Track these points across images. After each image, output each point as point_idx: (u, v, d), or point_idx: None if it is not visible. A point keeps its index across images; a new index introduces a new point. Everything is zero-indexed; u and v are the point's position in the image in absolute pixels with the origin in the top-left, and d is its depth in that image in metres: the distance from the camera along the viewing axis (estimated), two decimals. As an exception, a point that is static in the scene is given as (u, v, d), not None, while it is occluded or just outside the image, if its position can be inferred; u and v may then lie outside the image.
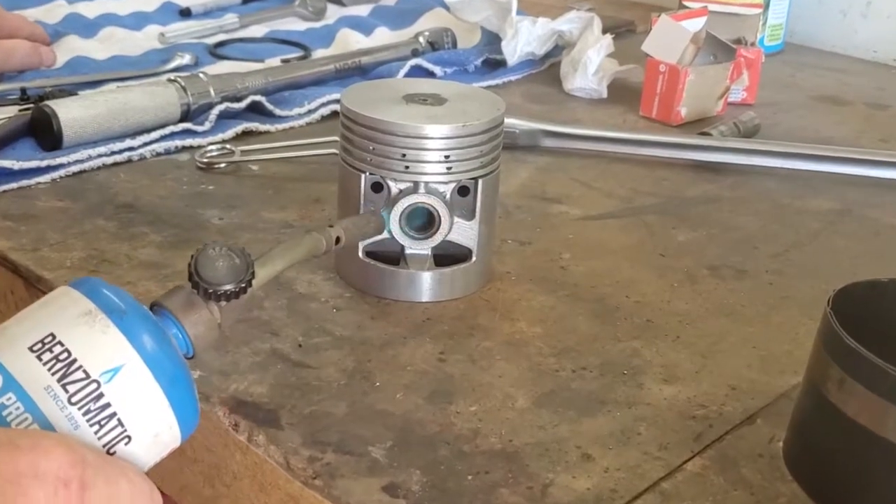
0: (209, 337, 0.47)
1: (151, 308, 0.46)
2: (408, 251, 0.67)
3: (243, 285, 0.47)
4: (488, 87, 1.18)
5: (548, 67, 1.29)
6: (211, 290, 0.46)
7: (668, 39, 1.08)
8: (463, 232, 0.67)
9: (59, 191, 0.82)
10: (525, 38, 1.23)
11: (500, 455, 0.53)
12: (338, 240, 0.59)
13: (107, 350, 0.41)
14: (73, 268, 0.69)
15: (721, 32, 1.10)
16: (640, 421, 0.56)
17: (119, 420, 0.41)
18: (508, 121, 0.93)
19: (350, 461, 0.52)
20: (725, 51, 1.10)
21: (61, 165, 0.85)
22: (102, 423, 0.40)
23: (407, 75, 1.14)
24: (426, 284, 0.67)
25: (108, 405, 0.40)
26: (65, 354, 0.40)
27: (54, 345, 0.40)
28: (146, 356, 0.41)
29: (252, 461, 0.53)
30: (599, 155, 0.99)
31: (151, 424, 0.42)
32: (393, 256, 0.67)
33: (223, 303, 0.47)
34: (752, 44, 1.17)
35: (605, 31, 1.19)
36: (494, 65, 1.25)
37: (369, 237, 0.64)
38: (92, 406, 0.40)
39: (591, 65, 1.16)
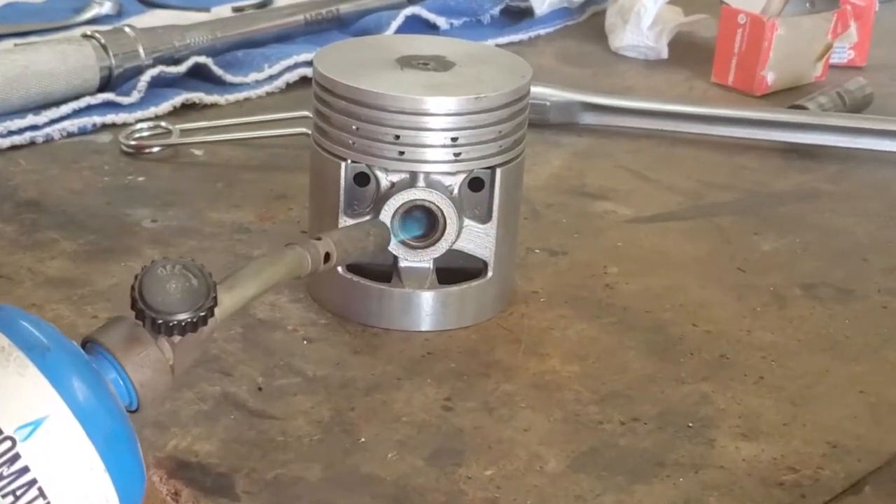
0: (158, 383, 0.47)
1: (83, 345, 0.47)
2: (402, 264, 0.68)
3: (203, 314, 0.48)
4: (509, 46, 1.19)
5: (588, 18, 1.30)
6: (161, 321, 0.47)
7: (750, -19, 1.10)
8: (475, 239, 0.68)
9: (-61, 183, 0.83)
10: (558, -20, 1.24)
11: (524, 534, 0.54)
12: (327, 257, 0.60)
13: (25, 398, 0.41)
14: (-41, 286, 0.70)
15: (820, -28, 1.12)
16: (710, 490, 0.57)
17: (40, 489, 0.41)
18: (536, 90, 0.94)
19: (327, 542, 0.53)
20: (826, -4, 1.12)
21: (-58, 150, 0.86)
22: (18, 492, 0.41)
23: (401, 29, 1.16)
24: (427, 308, 0.69)
25: (25, 469, 0.41)
26: None
27: None
28: (75, 406, 0.42)
29: (197, 542, 0.54)
30: (657, 135, 1.00)
31: (81, 495, 0.42)
32: (383, 271, 0.69)
33: (177, 338, 0.48)
34: (862, -13, 1.18)
35: (665, -30, 1.20)
36: (517, 15, 1.27)
37: (369, 255, 0.65)
38: (5, 471, 0.40)
39: (647, 15, 1.17)
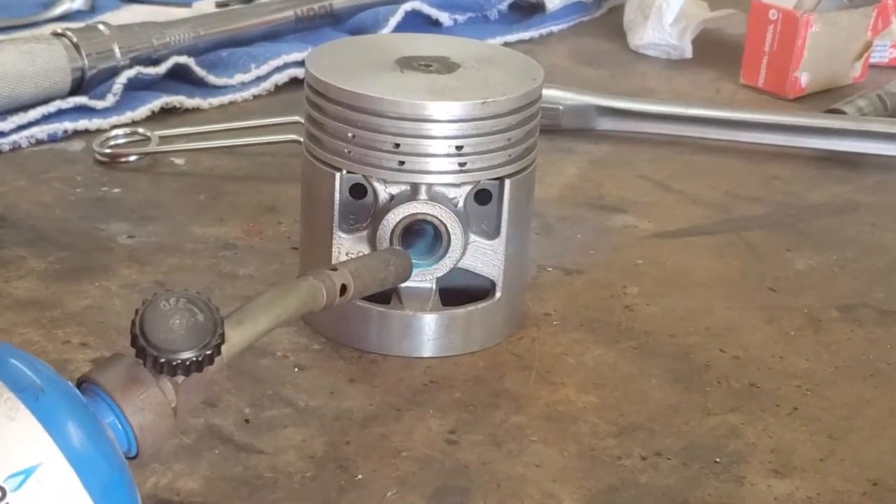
0: (160, 427, 0.47)
1: (79, 385, 0.47)
2: (402, 284, 0.68)
3: (209, 352, 0.48)
4: (518, 44, 1.20)
5: (605, 14, 1.31)
6: (164, 360, 0.47)
7: (782, -27, 1.10)
8: (482, 256, 0.69)
9: None
10: (572, -29, 1.25)
11: (536, 580, 0.54)
12: (343, 289, 0.60)
13: (16, 444, 0.41)
14: (-82, 308, 0.70)
15: (858, -37, 1.12)
16: (740, 531, 0.58)
17: None
18: (548, 93, 0.95)
19: (320, 588, 0.53)
20: (865, -10, 1.12)
21: None
22: None
23: (400, 26, 1.16)
24: (429, 332, 0.69)
25: None
26: None
27: None
28: (71, 453, 0.42)
29: (179, 588, 0.55)
30: (681, 142, 1.01)
31: None
32: (381, 292, 0.69)
33: (180, 378, 0.48)
34: (905, -21, 1.19)
35: (689, -39, 1.21)
36: (527, 10, 1.27)
37: (388, 286, 0.65)
38: None
39: (669, 10, 1.18)
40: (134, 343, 0.47)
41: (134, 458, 0.47)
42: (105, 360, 0.48)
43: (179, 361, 0.47)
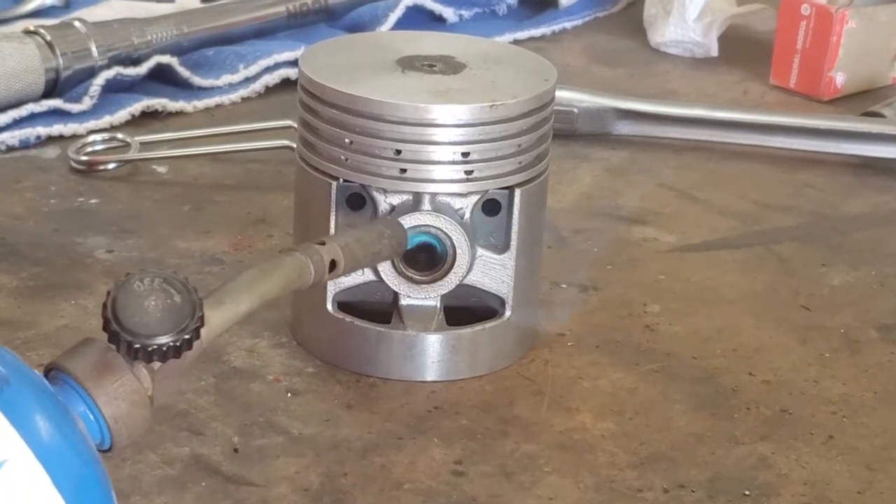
0: (135, 418, 0.47)
1: (47, 374, 0.47)
2: (404, 302, 0.68)
3: (187, 336, 0.48)
4: (529, 42, 1.20)
5: (623, 9, 1.31)
6: (138, 345, 0.47)
7: (815, -35, 1.10)
8: (491, 272, 0.69)
9: None
10: (587, -37, 1.26)
11: None
12: (333, 265, 0.60)
13: None
14: None
15: (898, -47, 1.13)
16: (771, 570, 0.58)
17: None
18: (562, 95, 0.95)
19: None
20: (905, -18, 1.13)
21: None
22: None
23: (401, 22, 1.16)
24: (433, 354, 0.69)
25: None
26: None
27: None
28: (39, 448, 0.42)
29: None
30: (706, 147, 1.01)
31: None
32: (381, 310, 0.69)
33: (156, 364, 0.48)
34: (949, -29, 1.19)
35: (714, -48, 1.21)
36: (539, 5, 1.27)
37: (382, 260, 0.65)
38: None
39: (693, 5, 1.18)
40: (106, 327, 0.47)
41: (107, 451, 0.48)
42: (74, 346, 0.47)
43: (156, 347, 0.47)
